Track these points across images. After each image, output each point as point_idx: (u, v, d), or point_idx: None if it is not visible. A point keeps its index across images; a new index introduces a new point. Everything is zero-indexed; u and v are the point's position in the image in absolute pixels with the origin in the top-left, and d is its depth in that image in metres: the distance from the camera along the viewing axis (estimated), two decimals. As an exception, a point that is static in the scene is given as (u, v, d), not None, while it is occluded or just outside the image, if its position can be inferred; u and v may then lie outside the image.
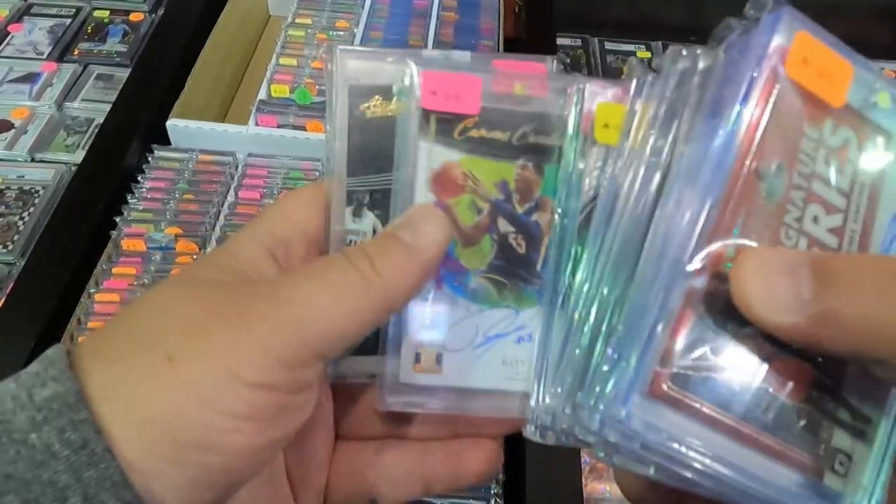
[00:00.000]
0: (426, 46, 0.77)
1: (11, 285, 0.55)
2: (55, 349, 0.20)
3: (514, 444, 0.48)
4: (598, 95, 0.24)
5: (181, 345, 0.20)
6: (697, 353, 0.19)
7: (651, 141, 0.22)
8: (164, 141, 0.67)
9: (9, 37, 0.85)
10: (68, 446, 0.18)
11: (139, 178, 0.62)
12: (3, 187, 0.71)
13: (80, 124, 0.78)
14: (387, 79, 0.24)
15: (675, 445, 0.19)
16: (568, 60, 0.91)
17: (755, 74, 0.20)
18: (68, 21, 0.87)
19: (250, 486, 0.22)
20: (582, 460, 0.47)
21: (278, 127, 0.68)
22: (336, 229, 0.24)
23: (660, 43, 0.93)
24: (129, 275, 0.56)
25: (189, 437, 0.19)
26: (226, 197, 0.62)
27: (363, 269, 0.21)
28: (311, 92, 0.71)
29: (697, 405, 0.19)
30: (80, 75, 0.82)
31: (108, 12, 0.89)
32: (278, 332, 0.20)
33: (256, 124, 0.68)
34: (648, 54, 0.92)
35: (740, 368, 0.19)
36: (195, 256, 0.58)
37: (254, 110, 0.69)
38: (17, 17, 0.88)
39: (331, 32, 0.77)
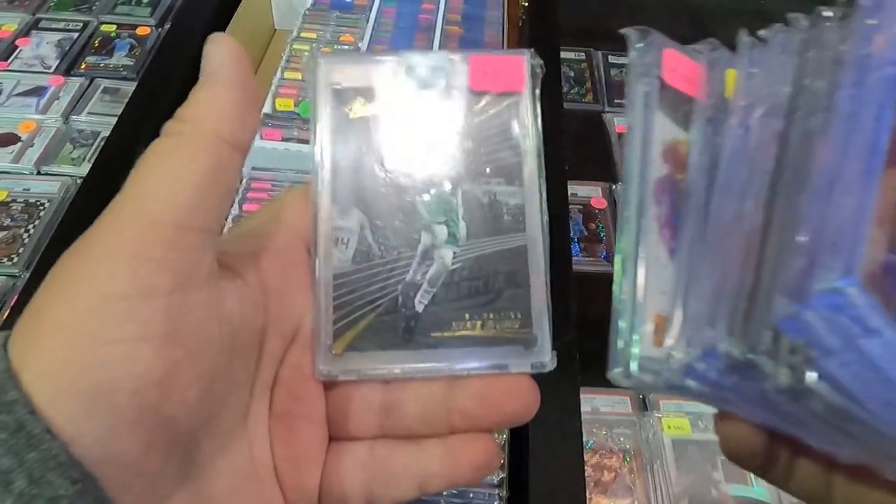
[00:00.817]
0: (430, 60, 0.77)
1: (15, 298, 0.55)
2: None
3: (519, 459, 0.48)
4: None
5: (49, 292, 0.20)
6: None
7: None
8: (169, 154, 0.68)
9: (17, 50, 0.86)
10: (4, 429, 0.18)
11: (144, 191, 0.63)
12: (9, 200, 0.72)
13: (86, 137, 0.78)
14: (367, 81, 0.25)
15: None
16: (572, 74, 0.91)
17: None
18: (75, 35, 0.88)
19: (233, 487, 0.22)
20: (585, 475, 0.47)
21: (283, 140, 0.68)
22: (323, 227, 0.25)
23: (663, 56, 0.93)
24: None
25: (88, 383, 0.19)
26: (230, 210, 0.62)
27: (172, 129, 0.21)
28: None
29: None
30: (87, 89, 0.83)
31: (114, 27, 0.89)
32: (127, 230, 0.20)
33: (261, 138, 0.68)
34: (652, 68, 0.92)
35: None
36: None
37: (259, 124, 0.69)
38: (25, 31, 0.88)
39: (335, 47, 0.78)
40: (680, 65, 0.24)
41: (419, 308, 0.25)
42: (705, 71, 0.25)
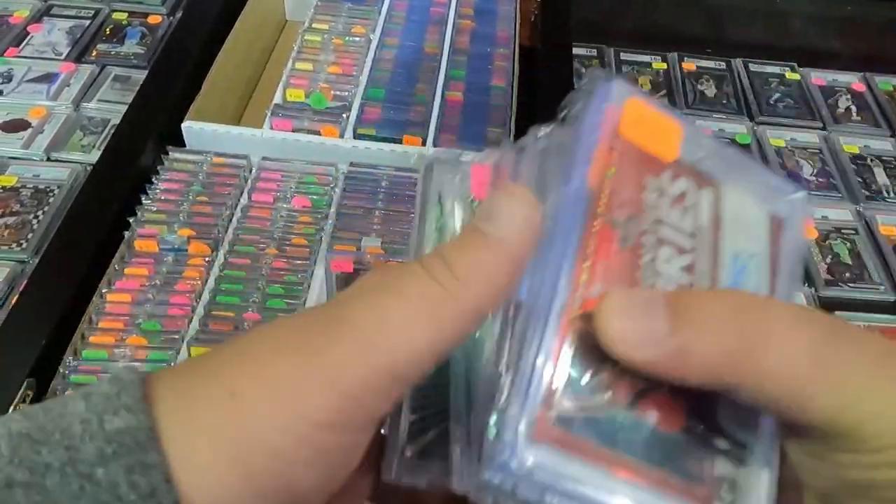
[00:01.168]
0: (441, 54, 0.77)
1: (25, 283, 0.55)
2: (129, 371, 0.19)
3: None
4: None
5: (243, 380, 0.18)
6: (577, 394, 0.19)
7: None
8: (179, 143, 0.68)
9: (28, 37, 0.86)
10: (135, 490, 0.17)
11: (153, 180, 0.63)
12: (19, 185, 0.72)
13: (96, 125, 0.78)
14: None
15: (569, 485, 0.18)
16: (584, 71, 0.90)
17: (594, 138, 0.21)
18: (87, 22, 0.88)
19: None
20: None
21: (293, 131, 0.68)
22: None
23: (675, 54, 0.93)
24: (141, 275, 0.56)
25: (256, 486, 0.18)
26: (239, 200, 0.62)
27: (439, 276, 0.19)
28: (326, 97, 0.71)
29: (583, 444, 0.19)
30: (98, 76, 0.83)
31: (126, 14, 0.89)
32: (347, 362, 0.18)
33: (271, 128, 0.68)
34: (664, 65, 0.91)
35: (618, 406, 0.19)
36: (207, 258, 0.58)
37: (269, 114, 0.69)
38: (37, 17, 0.88)
39: (347, 38, 0.78)
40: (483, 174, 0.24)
41: None
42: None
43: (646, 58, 0.93)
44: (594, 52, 0.94)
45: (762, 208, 0.23)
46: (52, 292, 0.54)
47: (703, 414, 0.20)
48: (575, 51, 0.87)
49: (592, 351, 0.20)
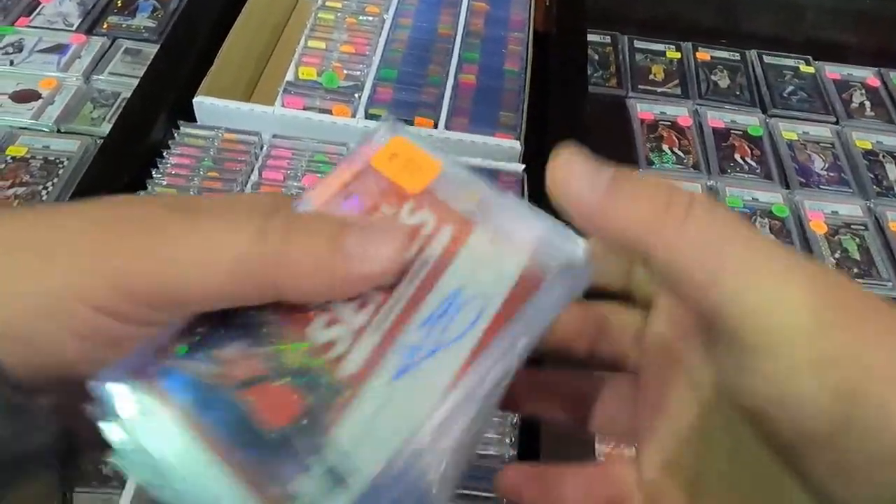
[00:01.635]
0: (455, 36, 0.77)
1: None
2: None
3: (530, 439, 0.48)
4: None
5: (55, 246, 0.20)
6: (191, 359, 0.20)
7: None
8: (190, 118, 0.67)
9: (39, 7, 0.85)
10: None
11: (164, 154, 0.62)
12: (29, 156, 0.72)
13: (106, 97, 0.78)
14: None
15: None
16: (596, 58, 0.90)
17: (346, 164, 0.23)
18: (99, -6, 0.88)
19: None
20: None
21: (304, 109, 0.67)
22: None
23: (690, 44, 0.92)
24: (150, 249, 0.56)
25: (16, 333, 0.19)
26: (249, 176, 0.62)
27: (269, 240, 0.20)
28: (338, 76, 0.71)
29: (175, 402, 0.19)
30: (108, 49, 0.82)
31: (138, -13, 0.89)
32: (141, 272, 0.20)
33: (283, 106, 0.68)
34: (678, 54, 0.91)
35: (225, 382, 0.20)
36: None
37: (281, 91, 0.69)
38: (49, -13, 0.88)
39: (360, 17, 0.77)
40: None
41: None
42: None
43: (660, 46, 0.92)
44: (608, 39, 0.93)
45: (517, 258, 0.22)
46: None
47: (314, 427, 0.19)
48: (589, 37, 0.86)
49: (226, 332, 0.21)
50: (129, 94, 0.77)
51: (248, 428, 0.19)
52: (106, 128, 0.74)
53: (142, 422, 0.19)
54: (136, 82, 0.78)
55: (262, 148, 0.64)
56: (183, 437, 0.19)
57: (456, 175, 0.24)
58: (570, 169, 0.20)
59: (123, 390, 0.19)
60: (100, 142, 0.73)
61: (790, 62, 0.91)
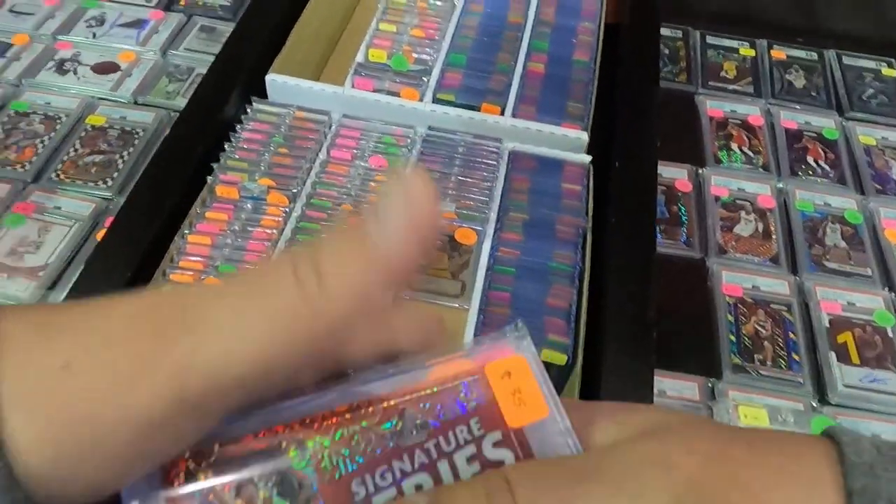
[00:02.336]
0: (525, 24, 0.76)
1: (112, 220, 0.57)
2: None
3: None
4: None
5: (79, 352, 0.18)
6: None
7: None
8: (263, 95, 0.69)
9: (122, -18, 0.88)
10: None
11: (237, 129, 0.64)
12: (107, 126, 0.74)
13: (181, 72, 0.80)
14: None
15: None
16: (666, 52, 0.88)
17: (465, 354, 0.22)
18: (178, -29, 0.90)
19: None
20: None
21: (374, 91, 0.68)
22: None
23: (765, 41, 0.90)
24: (221, 220, 0.58)
25: (74, 460, 0.18)
26: (318, 154, 0.63)
27: (306, 283, 0.19)
28: (407, 59, 0.71)
29: None
30: (185, 25, 0.85)
31: (215, -34, 0.91)
32: (194, 362, 0.18)
33: (352, 86, 0.68)
34: (752, 51, 0.88)
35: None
36: (284, 209, 0.59)
37: (351, 72, 0.69)
38: (131, -37, 0.90)
39: (431, 2, 0.77)
40: None
41: None
42: None
43: (733, 43, 0.90)
44: (678, 34, 0.91)
45: None
46: (139, 230, 0.56)
47: None
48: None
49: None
50: (202, 70, 0.80)
51: None
52: (180, 101, 0.76)
53: None
54: (209, 58, 0.80)
55: (331, 127, 0.65)
56: None
57: (556, 429, 0.22)
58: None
59: None
60: (174, 115, 0.75)
61: (871, 64, 0.88)
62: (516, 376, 0.22)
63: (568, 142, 0.65)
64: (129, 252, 0.55)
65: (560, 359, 0.52)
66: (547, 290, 0.55)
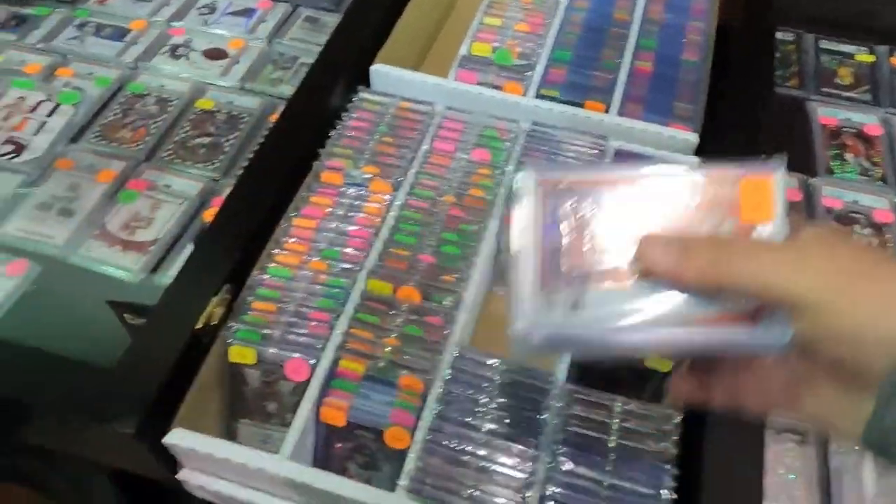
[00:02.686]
0: (631, 21, 0.74)
1: (223, 201, 0.59)
2: None
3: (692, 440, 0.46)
4: None
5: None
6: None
7: None
8: (366, 84, 0.69)
9: (232, -28, 0.91)
10: None
11: (342, 117, 0.65)
12: (215, 110, 0.77)
13: (286, 61, 0.82)
14: None
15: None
16: (778, 55, 0.84)
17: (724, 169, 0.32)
18: (286, -37, 0.92)
19: None
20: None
21: (477, 84, 0.68)
22: None
23: (885, 47, 0.85)
24: (325, 205, 0.59)
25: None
26: (420, 145, 0.63)
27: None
28: (511, 54, 0.71)
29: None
30: (290, 15, 0.87)
31: (321, -42, 0.92)
32: None
33: (456, 79, 0.68)
34: (871, 58, 0.83)
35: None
36: (387, 197, 0.59)
37: (455, 65, 0.69)
38: (242, -46, 0.93)
39: (537, -6, 0.76)
40: None
41: None
42: None
43: (850, 48, 0.85)
44: (791, 37, 0.87)
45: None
46: (247, 211, 0.57)
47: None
48: (771, 33, 0.81)
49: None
50: (307, 59, 0.81)
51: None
52: (284, 88, 0.78)
53: None
54: (313, 48, 0.82)
55: (434, 118, 0.65)
56: None
57: (776, 231, 0.31)
58: (654, 255, 0.31)
59: None
60: (278, 101, 0.77)
61: None
62: (761, 190, 0.31)
63: (676, 143, 0.63)
64: (238, 233, 0.56)
65: (664, 365, 0.50)
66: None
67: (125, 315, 0.60)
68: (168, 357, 0.48)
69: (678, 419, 0.46)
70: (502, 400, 0.48)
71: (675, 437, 0.46)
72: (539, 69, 0.69)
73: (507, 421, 0.47)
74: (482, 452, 0.46)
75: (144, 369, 0.48)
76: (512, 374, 0.49)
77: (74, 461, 0.57)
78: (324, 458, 0.51)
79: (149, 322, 0.51)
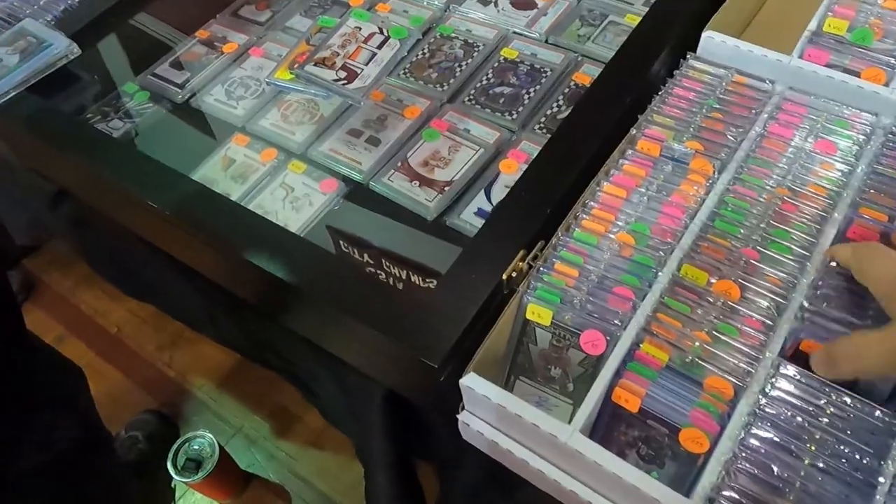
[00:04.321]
0: None
1: (537, 155, 0.58)
2: None
3: None
4: None
5: None
6: None
7: None
8: (692, 50, 0.64)
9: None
10: None
11: (667, 83, 0.60)
12: (518, 60, 0.76)
13: (594, 17, 0.79)
14: None
15: None
16: None
17: None
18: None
19: None
20: None
21: (828, 66, 0.59)
22: None
23: None
24: (638, 175, 0.55)
25: None
26: (754, 125, 0.56)
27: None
28: (874, 34, 0.60)
29: None
30: (604, -30, 0.83)
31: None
32: None
33: (801, 57, 0.60)
34: None
35: None
36: (708, 177, 0.54)
37: (802, 41, 0.61)
38: None
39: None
40: None
41: None
42: None
43: None
44: None
45: None
46: (560, 169, 0.56)
47: None
48: None
49: None
50: (616, 18, 0.77)
51: None
52: (590, 46, 0.75)
53: None
54: (624, 7, 0.77)
55: (772, 98, 0.58)
56: None
57: None
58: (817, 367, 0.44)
59: None
60: (581, 59, 0.74)
61: None
62: None
63: None
64: (547, 191, 0.55)
65: None
66: None
67: (389, 238, 0.61)
68: (476, 300, 0.48)
69: None
70: (832, 436, 0.42)
71: None
72: (908, 56, 0.59)
73: (839, 457, 0.41)
74: (802, 484, 0.41)
75: (453, 308, 0.48)
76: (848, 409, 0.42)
77: (353, 372, 0.61)
78: (601, 438, 0.49)
79: (457, 264, 0.52)
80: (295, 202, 0.67)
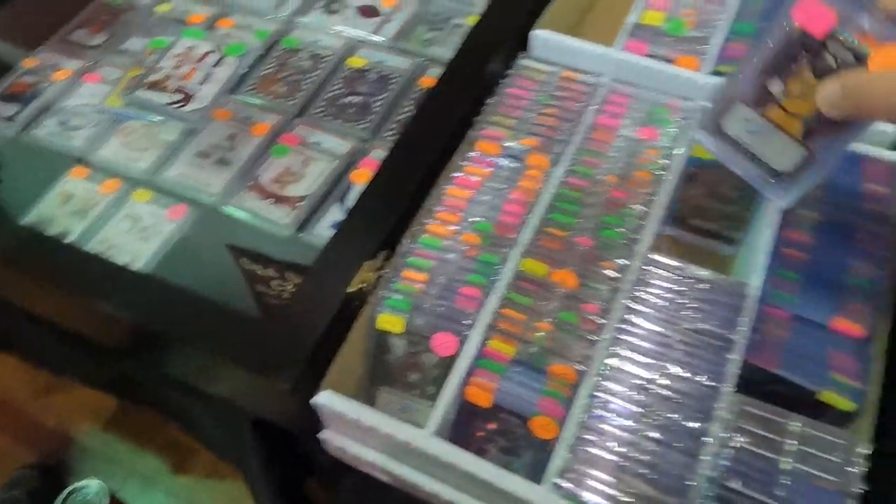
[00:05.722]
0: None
1: (379, 165, 0.58)
2: None
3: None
4: None
5: None
6: None
7: None
8: (524, 50, 0.66)
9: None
10: None
11: (501, 84, 0.62)
12: (367, 68, 0.76)
13: (439, 21, 0.80)
14: None
15: None
16: None
17: None
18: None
19: None
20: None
21: (647, 56, 0.63)
22: None
23: None
24: (480, 175, 0.57)
25: None
26: (583, 118, 0.59)
27: None
28: (686, 24, 0.65)
29: None
30: (445, -27, 0.84)
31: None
32: None
33: (624, 49, 0.64)
34: None
35: None
36: (545, 172, 0.56)
37: (624, 34, 0.65)
38: None
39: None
40: None
41: None
42: None
43: None
44: None
45: None
46: (403, 176, 0.56)
47: None
48: None
49: None
50: (459, 20, 0.79)
51: None
52: (436, 50, 0.76)
53: None
54: (466, 9, 0.79)
55: (598, 90, 0.61)
56: None
57: None
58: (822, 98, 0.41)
59: None
60: (429, 63, 0.75)
61: None
62: None
63: (872, 135, 0.56)
64: (395, 198, 0.55)
65: (845, 404, 0.45)
66: (834, 308, 0.48)
67: (242, 260, 0.60)
68: (324, 316, 0.48)
69: (867, 451, 0.41)
70: (664, 407, 0.45)
71: (860, 471, 0.41)
72: (716, 43, 0.63)
73: (671, 427, 0.44)
74: (641, 457, 0.43)
75: (301, 327, 0.48)
76: (675, 380, 0.45)
77: (219, 403, 0.60)
78: (461, 437, 0.50)
79: (305, 281, 0.51)
80: (143, 232, 0.64)
